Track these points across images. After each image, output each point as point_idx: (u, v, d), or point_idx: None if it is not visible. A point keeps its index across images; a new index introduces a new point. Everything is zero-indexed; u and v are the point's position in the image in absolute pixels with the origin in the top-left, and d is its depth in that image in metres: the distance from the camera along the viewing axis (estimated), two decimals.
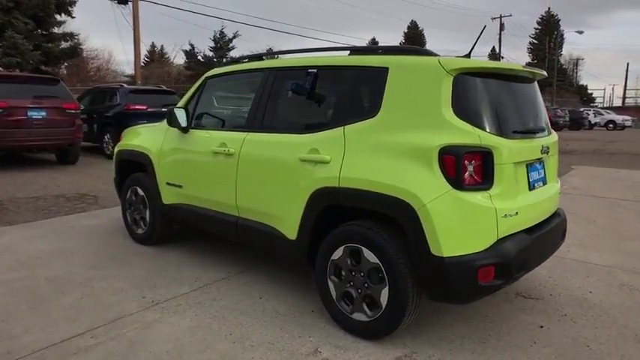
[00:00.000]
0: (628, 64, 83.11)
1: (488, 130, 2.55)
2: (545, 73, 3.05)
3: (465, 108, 2.54)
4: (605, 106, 54.78)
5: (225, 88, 4.12)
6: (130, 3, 19.76)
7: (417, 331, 2.89)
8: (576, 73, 66.19)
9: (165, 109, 11.06)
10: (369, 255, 2.69)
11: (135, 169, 4.55)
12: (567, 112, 31.00)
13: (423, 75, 2.62)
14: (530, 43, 60.29)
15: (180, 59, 29.88)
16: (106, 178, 8.14)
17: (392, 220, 2.65)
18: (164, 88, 12.52)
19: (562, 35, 58.77)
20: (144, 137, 4.41)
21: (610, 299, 3.45)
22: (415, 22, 63.48)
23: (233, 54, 25.71)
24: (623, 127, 34.18)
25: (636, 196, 7.43)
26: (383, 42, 62.24)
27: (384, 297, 2.66)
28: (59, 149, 9.85)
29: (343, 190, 2.75)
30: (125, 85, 12.32)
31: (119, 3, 20.19)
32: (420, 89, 2.61)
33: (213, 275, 3.77)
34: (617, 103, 61.23)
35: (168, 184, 4.06)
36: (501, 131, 2.61)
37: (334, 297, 2.91)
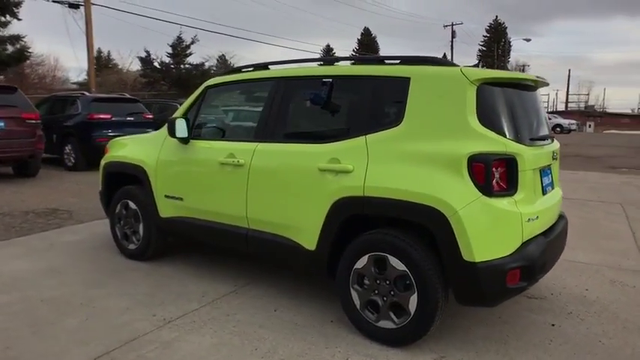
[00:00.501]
0: (570, 70, 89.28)
1: (509, 137, 2.65)
2: (547, 81, 3.19)
3: (488, 116, 2.62)
4: (549, 110, 57.76)
5: (229, 98, 4.05)
6: (81, 7, 19.04)
7: (439, 335, 2.94)
8: None
9: (132, 118, 10.93)
10: (396, 262, 2.71)
11: (125, 182, 4.38)
12: None
13: (447, 85, 2.68)
14: (479, 50, 62.86)
15: (135, 66, 28.94)
16: (75, 191, 7.78)
17: (417, 227, 2.69)
18: (127, 96, 12.10)
19: (509, 42, 61.60)
20: (136, 148, 4.25)
21: (606, 296, 3.65)
22: (368, 29, 64.61)
23: (192, 60, 25.27)
24: (569, 131, 36.15)
25: (600, 197, 7.89)
26: (338, 48, 63.06)
27: (412, 304, 2.69)
28: (18, 162, 9.30)
29: (368, 199, 2.77)
30: (87, 94, 11.81)
31: (70, 7, 19.42)
32: (444, 99, 2.68)
33: (220, 289, 3.67)
34: (561, 107, 64.74)
35: (166, 196, 3.93)
36: (520, 138, 2.71)
37: (358, 306, 2.91)
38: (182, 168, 3.83)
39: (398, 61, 2.98)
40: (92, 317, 3.18)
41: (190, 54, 24.75)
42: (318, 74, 3.17)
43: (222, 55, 24.68)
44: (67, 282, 3.80)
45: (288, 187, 3.16)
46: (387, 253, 2.74)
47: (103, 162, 4.55)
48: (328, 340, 2.90)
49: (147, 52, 26.32)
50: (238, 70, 3.82)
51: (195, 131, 3.81)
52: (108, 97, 11.92)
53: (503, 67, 62.88)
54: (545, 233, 2.90)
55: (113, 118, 10.58)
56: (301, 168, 3.09)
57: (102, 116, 10.47)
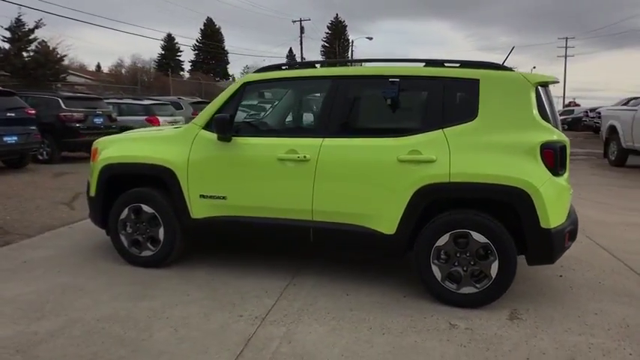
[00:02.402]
0: None
1: (554, 127, 3.33)
2: (558, 80, 3.93)
3: (543, 112, 3.27)
4: None
5: (274, 95, 4.03)
6: None
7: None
8: None
9: (13, 114, 9.33)
10: (478, 236, 3.21)
11: (134, 185, 4.04)
12: None
13: (514, 86, 3.25)
14: (322, 46, 66.44)
15: None
16: None
17: (492, 205, 3.23)
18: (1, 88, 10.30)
19: (349, 40, 66.31)
20: (152, 147, 3.95)
21: (582, 252, 4.67)
22: (211, 19, 63.11)
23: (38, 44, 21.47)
24: None
25: None
26: (180, 37, 60.32)
27: (494, 269, 3.22)
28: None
29: (454, 185, 3.21)
30: None
31: None
32: (513, 98, 3.24)
33: (276, 284, 3.73)
34: None
35: (202, 196, 3.79)
36: (557, 127, 3.42)
37: (439, 278, 3.34)
38: (224, 166, 3.73)
39: (458, 65, 3.45)
40: (179, 328, 3.02)
41: (35, 39, 21.25)
42: (386, 74, 3.45)
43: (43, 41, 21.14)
44: (103, 298, 3.44)
45: (365, 178, 3.41)
46: (469, 229, 3.22)
47: (99, 165, 4.09)
48: (421, 312, 3.27)
49: None
50: (277, 67, 3.86)
51: (237, 128, 3.75)
52: None
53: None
54: None
55: None
56: (379, 160, 3.37)
57: None
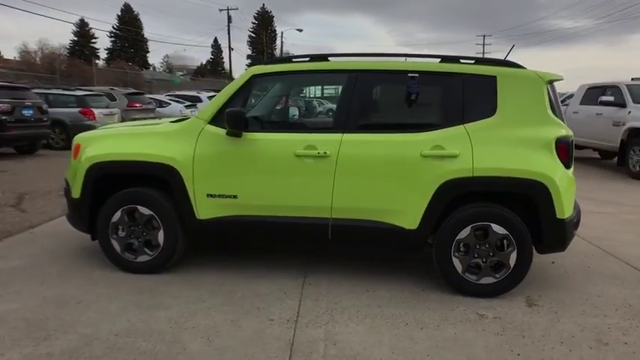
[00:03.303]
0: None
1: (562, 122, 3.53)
2: (563, 77, 4.06)
3: (554, 108, 3.44)
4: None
5: (285, 88, 3.84)
6: None
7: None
8: None
9: None
10: (498, 228, 3.33)
11: (126, 185, 3.71)
12: None
13: (529, 83, 3.39)
14: (249, 36, 65.22)
15: None
16: None
17: (511, 198, 3.36)
18: None
19: (275, 30, 65.74)
20: (152, 144, 3.63)
21: None
22: (129, 5, 59.50)
23: None
24: None
25: None
26: (95, 20, 56.15)
27: (512, 259, 3.36)
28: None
29: (477, 179, 3.29)
30: None
31: None
32: (528, 94, 3.38)
33: (291, 284, 3.62)
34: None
35: (210, 196, 3.57)
36: (565, 123, 3.62)
37: (460, 270, 3.42)
38: (235, 163, 3.53)
39: (473, 62, 3.53)
40: (211, 337, 2.83)
41: None
42: (407, 69, 3.44)
43: None
44: (110, 310, 3.13)
45: (388, 174, 3.39)
46: (490, 222, 3.33)
47: (86, 164, 3.68)
48: (445, 304, 3.33)
49: None
50: (288, 59, 3.70)
51: (246, 123, 3.56)
52: None
53: (272, 55, 67.08)
54: None
55: None
56: (403, 156, 3.36)
57: None
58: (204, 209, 3.60)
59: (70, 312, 3.11)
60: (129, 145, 3.70)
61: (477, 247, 3.39)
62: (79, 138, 3.91)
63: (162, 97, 18.01)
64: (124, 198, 3.69)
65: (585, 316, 3.19)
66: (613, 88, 9.73)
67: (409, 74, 3.39)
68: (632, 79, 9.95)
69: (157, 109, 15.93)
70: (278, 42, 66.21)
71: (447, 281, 3.49)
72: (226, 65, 59.93)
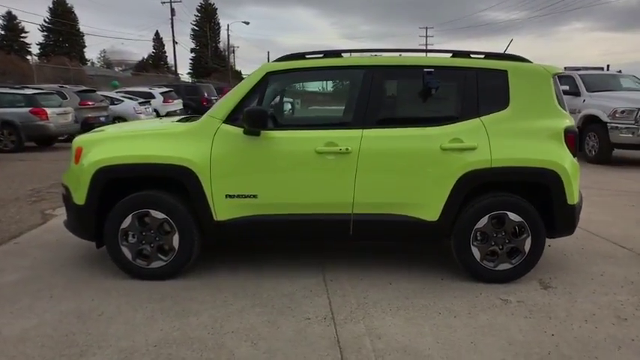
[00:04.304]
0: (269, 52, 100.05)
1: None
2: (562, 70, 4.24)
3: (559, 100, 3.63)
4: None
5: (301, 85, 3.77)
6: None
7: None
8: (234, 59, 73.88)
9: None
10: (514, 216, 3.48)
11: (134, 189, 3.55)
12: None
13: (538, 76, 3.55)
14: (192, 29, 63.36)
15: None
16: None
17: (523, 187, 3.52)
18: None
19: (219, 24, 64.28)
20: (165, 145, 3.48)
21: None
22: None
23: None
24: None
25: None
26: (23, 15, 52.58)
27: (527, 245, 3.53)
28: None
29: (495, 170, 3.41)
30: None
31: None
32: (537, 87, 3.54)
33: (308, 282, 3.61)
34: None
35: (229, 196, 3.48)
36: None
37: (478, 258, 3.55)
38: (255, 162, 3.46)
39: (483, 56, 3.65)
40: (256, 340, 2.79)
41: None
42: (422, 64, 3.50)
43: None
44: (137, 321, 3.00)
45: (409, 168, 3.45)
46: (507, 211, 3.48)
47: (91, 168, 3.47)
48: (469, 292, 3.44)
49: None
50: (301, 56, 3.65)
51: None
52: None
53: (216, 47, 65.57)
54: None
55: None
56: (424, 149, 3.43)
57: None
58: (223, 210, 3.51)
59: (95, 325, 2.95)
60: (138, 147, 3.53)
61: (494, 234, 3.53)
62: (81, 141, 3.69)
63: (113, 94, 17.18)
64: (135, 202, 3.53)
65: (598, 295, 3.41)
66: (567, 78, 10.33)
67: (425, 69, 3.46)
68: (565, 68, 10.56)
69: (110, 106, 15.21)
70: (223, 35, 65.00)
71: (466, 270, 3.61)
72: (170, 60, 58.13)
